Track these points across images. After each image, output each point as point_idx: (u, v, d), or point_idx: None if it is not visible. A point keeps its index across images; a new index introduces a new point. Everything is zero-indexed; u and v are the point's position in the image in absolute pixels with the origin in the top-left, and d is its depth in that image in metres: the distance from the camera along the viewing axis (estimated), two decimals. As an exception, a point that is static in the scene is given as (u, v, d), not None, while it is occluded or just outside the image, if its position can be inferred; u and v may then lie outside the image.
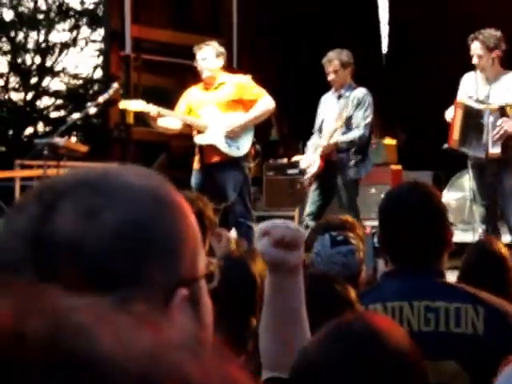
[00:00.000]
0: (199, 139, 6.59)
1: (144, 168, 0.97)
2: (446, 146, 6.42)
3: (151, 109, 6.37)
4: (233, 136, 6.43)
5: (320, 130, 6.85)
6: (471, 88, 6.25)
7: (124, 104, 6.80)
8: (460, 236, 7.93)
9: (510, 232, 6.13)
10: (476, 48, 6.08)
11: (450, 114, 6.36)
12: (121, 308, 0.55)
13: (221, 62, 6.66)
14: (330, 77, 6.71)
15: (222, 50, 6.69)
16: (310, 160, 6.78)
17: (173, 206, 0.92)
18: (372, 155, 6.97)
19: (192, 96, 6.70)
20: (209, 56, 6.60)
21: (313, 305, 1.83)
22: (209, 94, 6.62)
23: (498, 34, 6.08)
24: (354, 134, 6.63)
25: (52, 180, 0.93)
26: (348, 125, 6.66)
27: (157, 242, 0.88)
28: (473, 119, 6.09)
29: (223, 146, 6.46)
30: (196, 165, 6.67)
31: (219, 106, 6.55)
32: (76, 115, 7.61)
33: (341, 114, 6.58)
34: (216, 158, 6.53)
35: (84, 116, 7.40)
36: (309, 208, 6.84)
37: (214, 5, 11.19)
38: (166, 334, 0.54)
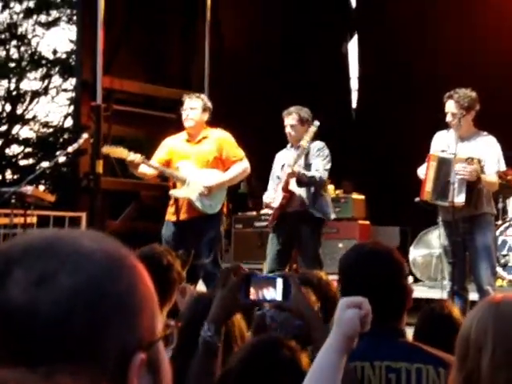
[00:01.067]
0: (175, 192, 6.60)
1: (97, 233, 0.95)
2: (417, 199, 6.47)
3: (136, 156, 6.39)
4: (208, 194, 6.46)
5: (278, 178, 6.87)
6: (444, 145, 6.33)
7: (108, 149, 6.78)
8: (426, 292, 7.97)
9: (478, 290, 6.16)
10: (450, 106, 6.13)
11: (422, 170, 6.44)
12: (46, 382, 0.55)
13: (206, 116, 6.70)
14: (287, 129, 6.76)
15: (209, 105, 6.74)
16: (272, 194, 6.80)
17: (129, 267, 0.91)
18: (330, 206, 6.95)
19: (174, 145, 6.72)
20: (198, 107, 6.63)
21: (259, 371, 1.83)
22: (191, 147, 6.64)
23: (473, 94, 6.15)
24: (314, 173, 6.67)
25: (4, 246, 0.90)
26: (307, 170, 6.70)
27: (113, 302, 0.86)
28: (444, 170, 6.15)
29: (197, 203, 6.48)
30: (169, 216, 6.66)
31: (199, 160, 6.57)
32: (45, 164, 7.57)
33: (299, 155, 6.63)
34: (190, 214, 6.54)
35: (53, 165, 7.36)
36: (269, 265, 6.82)
37: (185, 58, 11.30)
38: None
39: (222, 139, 6.69)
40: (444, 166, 6.17)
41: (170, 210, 6.68)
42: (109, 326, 0.84)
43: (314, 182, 6.67)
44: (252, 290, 2.17)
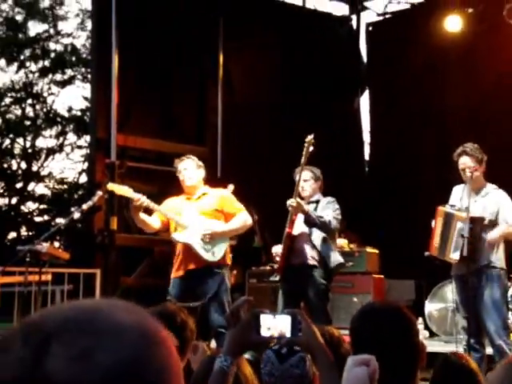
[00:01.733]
0: (177, 236, 6.61)
1: (131, 304, 0.97)
2: (427, 253, 6.47)
3: (139, 196, 6.41)
4: (209, 240, 6.48)
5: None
6: (456, 198, 6.36)
7: (112, 186, 6.82)
8: (443, 347, 7.90)
9: (492, 345, 6.11)
10: (466, 161, 6.16)
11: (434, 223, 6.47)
12: None
13: (202, 173, 6.79)
14: (301, 184, 6.81)
15: (201, 163, 6.82)
16: (279, 248, 6.82)
17: (161, 344, 0.92)
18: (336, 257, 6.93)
19: (175, 203, 6.76)
20: (190, 167, 6.73)
21: None
22: (191, 204, 6.69)
23: (476, 146, 6.24)
24: (324, 215, 6.68)
25: (38, 318, 0.90)
26: None
27: (148, 381, 0.88)
28: (449, 225, 6.18)
29: (199, 249, 6.49)
30: (174, 274, 6.68)
31: (201, 213, 6.63)
32: (60, 220, 7.59)
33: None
34: (194, 266, 6.54)
35: (68, 222, 7.40)
36: None
37: (199, 116, 11.42)
38: None
39: (221, 195, 6.79)
40: (448, 220, 6.20)
41: (174, 267, 6.69)
42: None
43: (323, 224, 6.65)
44: (262, 327, 2.26)
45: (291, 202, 6.60)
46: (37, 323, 0.89)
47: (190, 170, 6.73)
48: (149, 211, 6.61)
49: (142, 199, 6.39)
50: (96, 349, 0.86)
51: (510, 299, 7.45)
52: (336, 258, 6.79)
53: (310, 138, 6.64)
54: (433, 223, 6.48)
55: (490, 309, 6.07)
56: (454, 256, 6.08)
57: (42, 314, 0.92)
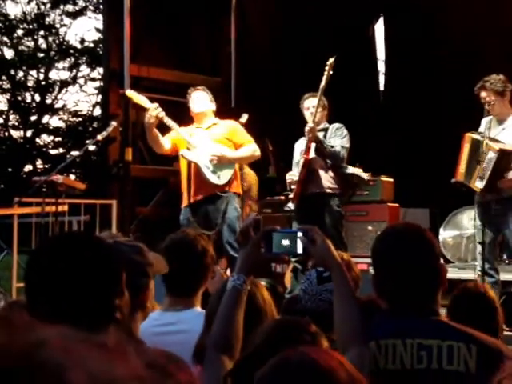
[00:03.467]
0: (185, 153, 6.63)
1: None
2: (453, 180, 6.48)
3: (156, 105, 6.43)
4: (216, 163, 6.51)
5: (298, 165, 6.94)
6: (485, 128, 6.36)
7: (130, 93, 6.85)
8: (457, 273, 7.96)
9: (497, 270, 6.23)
10: (486, 96, 6.19)
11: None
12: (90, 340, 0.57)
13: (213, 106, 6.84)
14: (310, 110, 6.80)
15: (212, 98, 6.84)
16: (295, 173, 6.87)
17: None
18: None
19: (186, 130, 6.78)
20: (202, 97, 6.77)
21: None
22: (202, 131, 6.71)
23: (502, 77, 6.22)
24: (333, 144, 6.73)
25: None
26: None
27: None
28: (477, 152, 6.19)
29: (205, 170, 6.53)
30: (184, 202, 6.73)
31: (211, 139, 6.67)
32: (75, 153, 7.63)
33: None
34: (201, 195, 6.59)
35: (83, 154, 7.42)
36: None
37: (212, 46, 11.32)
38: (132, 365, 0.56)
39: (231, 126, 6.84)
40: (476, 147, 6.19)
41: (183, 196, 6.73)
42: None
43: (333, 154, 6.69)
44: (274, 244, 2.28)
45: (310, 125, 6.62)
46: None
47: (202, 99, 6.76)
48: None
49: (159, 109, 6.41)
50: None
51: None
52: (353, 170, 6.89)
53: (331, 60, 6.59)
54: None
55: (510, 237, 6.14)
56: (479, 185, 6.12)
57: None
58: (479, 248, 6.27)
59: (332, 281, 2.30)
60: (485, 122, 6.44)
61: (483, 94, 6.21)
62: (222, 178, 6.58)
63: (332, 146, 6.70)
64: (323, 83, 6.61)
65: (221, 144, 6.65)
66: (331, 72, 6.57)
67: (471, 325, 3.13)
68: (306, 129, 6.67)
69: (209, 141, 6.63)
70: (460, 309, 3.28)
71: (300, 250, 2.28)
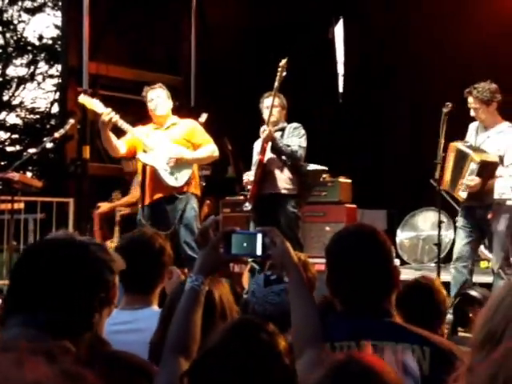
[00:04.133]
0: (141, 156, 6.60)
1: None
2: (439, 188, 6.60)
3: (109, 111, 6.35)
4: (173, 165, 6.48)
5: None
6: (471, 135, 6.54)
7: (83, 99, 6.74)
8: (413, 275, 8.03)
9: (492, 272, 6.39)
10: (471, 102, 6.34)
11: None
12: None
13: (171, 103, 6.77)
14: (268, 110, 6.81)
15: (169, 94, 6.78)
16: (252, 173, 6.87)
17: None
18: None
19: (144, 131, 6.72)
20: (162, 95, 6.70)
21: (237, 354, 1.87)
22: (161, 133, 6.66)
23: (492, 86, 6.34)
24: (290, 144, 6.74)
25: None
26: None
27: None
28: (462, 162, 6.32)
29: (162, 173, 6.50)
30: (141, 202, 6.71)
31: (170, 140, 6.62)
32: (32, 150, 7.55)
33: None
34: (158, 195, 6.57)
35: (40, 151, 7.35)
36: None
37: (172, 44, 11.28)
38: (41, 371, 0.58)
39: (190, 126, 6.79)
40: (461, 157, 6.31)
41: (141, 196, 6.71)
42: None
43: (290, 154, 6.70)
44: (233, 246, 2.27)
45: (264, 128, 6.63)
46: None
47: (162, 98, 6.69)
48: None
49: (112, 114, 6.33)
50: None
51: None
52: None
53: (283, 61, 6.62)
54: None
55: (494, 240, 6.33)
56: (463, 195, 6.30)
57: None
58: (459, 247, 6.40)
59: (289, 282, 2.29)
60: (473, 127, 6.59)
61: (470, 99, 6.37)
62: (179, 179, 6.55)
63: (288, 146, 6.71)
64: (276, 84, 6.64)
65: (179, 145, 6.61)
66: (284, 73, 6.59)
67: (414, 313, 3.20)
68: (261, 130, 6.68)
69: (167, 142, 6.59)
70: (405, 299, 3.34)
71: (259, 251, 2.27)
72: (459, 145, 6.41)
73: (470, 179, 6.15)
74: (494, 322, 1.69)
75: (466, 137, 6.64)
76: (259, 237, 2.27)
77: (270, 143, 6.74)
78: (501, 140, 6.33)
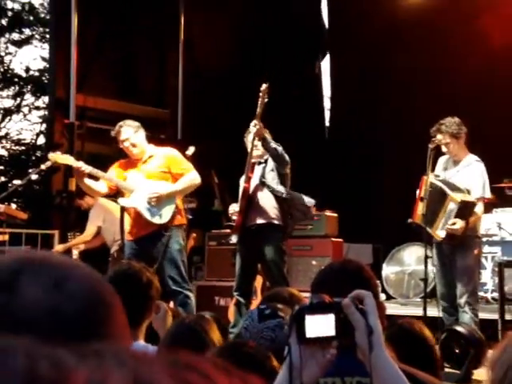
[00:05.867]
0: (123, 201, 6.60)
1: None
2: (410, 220, 6.56)
3: (80, 165, 6.33)
4: (155, 203, 6.46)
5: None
6: (441, 168, 6.57)
7: (54, 156, 6.71)
8: (399, 309, 8.03)
9: (459, 307, 6.31)
10: (441, 138, 6.37)
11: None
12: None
13: (142, 133, 6.68)
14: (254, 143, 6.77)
15: (136, 123, 6.70)
16: (237, 207, 6.83)
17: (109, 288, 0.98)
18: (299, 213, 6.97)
19: (121, 167, 6.70)
20: (129, 135, 6.60)
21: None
22: (136, 173, 6.62)
23: (457, 119, 6.43)
24: (277, 147, 6.67)
25: None
26: (264, 179, 6.75)
27: (116, 315, 0.94)
28: (436, 197, 6.30)
29: (145, 212, 6.49)
30: (127, 236, 6.68)
31: (148, 177, 6.59)
32: (18, 182, 7.53)
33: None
34: (143, 231, 6.55)
35: (26, 183, 7.32)
36: (236, 283, 6.86)
37: (160, 78, 11.33)
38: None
39: (167, 155, 6.70)
40: (435, 193, 6.30)
41: (127, 230, 6.69)
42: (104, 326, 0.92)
43: (279, 154, 6.59)
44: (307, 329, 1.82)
45: (255, 122, 6.51)
46: None
47: (131, 138, 6.58)
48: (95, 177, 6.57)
49: (83, 167, 6.31)
50: (67, 278, 0.89)
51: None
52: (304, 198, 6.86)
53: (264, 86, 6.59)
54: (417, 192, 6.60)
55: (460, 275, 6.28)
56: (441, 234, 6.26)
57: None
58: (438, 287, 6.37)
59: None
60: (442, 161, 6.62)
61: (439, 136, 6.38)
62: (163, 217, 6.52)
63: (276, 148, 6.61)
64: (258, 109, 6.58)
65: (157, 180, 6.57)
66: (266, 99, 6.56)
67: (408, 363, 3.17)
68: (252, 124, 6.56)
69: (145, 180, 6.55)
70: (392, 343, 3.31)
71: (333, 331, 1.81)
72: (432, 179, 6.39)
73: (452, 222, 6.13)
74: (495, 372, 1.68)
75: (436, 170, 6.64)
76: (331, 317, 1.81)
77: (257, 173, 6.72)
78: (468, 174, 6.38)
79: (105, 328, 0.90)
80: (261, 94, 6.58)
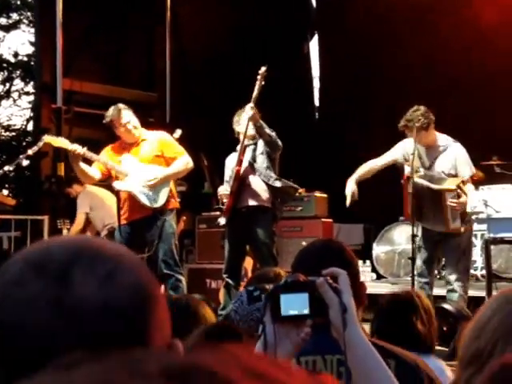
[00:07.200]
0: (118, 185, 6.59)
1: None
2: (402, 218, 6.55)
3: (76, 147, 6.32)
4: (151, 188, 6.46)
5: (229, 182, 6.88)
6: (411, 158, 6.24)
7: (49, 139, 6.70)
8: (390, 288, 8.04)
9: (447, 283, 6.38)
10: (412, 134, 6.14)
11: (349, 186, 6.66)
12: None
13: (136, 119, 6.67)
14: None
15: (129, 110, 6.68)
16: (227, 187, 6.82)
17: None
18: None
19: (113, 150, 6.69)
20: (130, 117, 6.59)
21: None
22: (131, 157, 6.61)
23: (422, 109, 6.21)
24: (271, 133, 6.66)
25: (42, 249, 0.92)
26: (255, 162, 6.75)
27: (159, 304, 0.94)
28: (425, 195, 6.23)
29: (141, 197, 6.48)
30: (120, 221, 6.68)
31: (141, 160, 6.58)
32: (6, 167, 7.51)
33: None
34: (137, 215, 6.55)
35: (14, 168, 7.30)
36: (225, 265, 6.87)
37: (147, 61, 11.29)
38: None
39: (160, 139, 6.71)
40: (420, 190, 6.21)
41: (120, 215, 6.68)
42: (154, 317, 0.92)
43: (272, 140, 6.60)
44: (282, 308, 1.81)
45: (252, 105, 6.48)
46: (44, 253, 0.91)
47: (132, 120, 6.60)
48: (89, 161, 6.54)
49: (79, 150, 6.30)
50: (117, 270, 0.90)
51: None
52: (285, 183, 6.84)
53: (263, 69, 6.57)
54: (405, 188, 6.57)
55: (451, 251, 6.36)
56: (455, 225, 6.18)
57: (42, 245, 0.94)
58: (418, 264, 6.36)
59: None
60: (409, 146, 6.37)
61: (409, 133, 6.22)
62: (158, 200, 6.53)
63: (271, 133, 6.60)
64: (255, 93, 6.56)
65: (151, 164, 6.57)
66: (263, 82, 6.55)
67: (405, 328, 3.18)
68: (249, 106, 6.51)
69: (140, 164, 6.54)
70: (388, 316, 3.33)
71: (306, 310, 1.81)
72: (416, 179, 6.21)
73: (454, 201, 6.09)
74: (481, 340, 1.67)
75: (396, 150, 6.56)
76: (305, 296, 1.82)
77: (247, 155, 6.71)
78: (450, 157, 6.29)
79: (150, 320, 0.91)
80: (258, 77, 6.56)
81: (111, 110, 6.62)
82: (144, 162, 6.57)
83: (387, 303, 3.48)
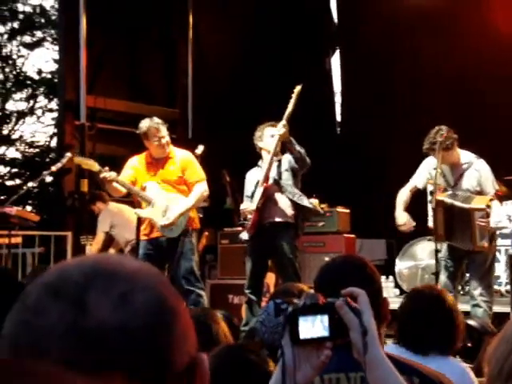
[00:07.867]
0: (140, 212, 6.66)
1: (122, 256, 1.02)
2: (431, 237, 6.55)
3: (109, 174, 6.38)
4: (170, 226, 6.52)
5: (252, 196, 6.87)
6: (437, 177, 6.25)
7: (78, 160, 6.78)
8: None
9: (471, 298, 6.37)
10: (439, 157, 6.13)
11: (402, 196, 6.55)
12: None
13: (168, 137, 6.73)
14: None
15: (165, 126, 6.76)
16: (249, 203, 6.82)
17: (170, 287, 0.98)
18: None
19: (140, 165, 6.73)
20: (166, 132, 6.67)
21: (224, 373, 1.84)
22: (155, 186, 6.65)
23: (445, 131, 6.19)
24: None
25: (60, 272, 0.92)
26: (280, 179, 6.76)
27: (180, 319, 0.94)
28: (454, 214, 6.20)
29: (160, 228, 6.54)
30: (142, 236, 6.72)
31: (164, 181, 6.62)
32: (30, 184, 7.58)
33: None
34: (157, 233, 6.60)
35: (38, 184, 7.36)
36: (248, 281, 6.86)
37: (169, 77, 11.34)
38: None
39: (185, 160, 6.75)
40: (453, 211, 6.21)
41: (142, 229, 6.72)
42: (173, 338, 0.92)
43: (301, 157, 6.61)
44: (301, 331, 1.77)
45: (284, 123, 6.50)
46: (61, 276, 0.91)
47: (166, 135, 6.68)
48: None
49: (108, 174, 6.37)
50: (133, 292, 0.90)
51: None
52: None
53: (298, 88, 6.60)
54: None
55: (475, 267, 6.36)
56: (483, 243, 6.18)
57: (60, 268, 0.94)
58: (443, 280, 6.33)
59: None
60: (432, 165, 6.40)
61: (434, 155, 6.21)
62: (175, 230, 6.58)
63: (300, 152, 6.61)
64: (289, 110, 6.58)
65: (174, 189, 6.62)
66: (297, 100, 6.58)
67: (428, 326, 3.14)
68: (281, 124, 6.52)
69: (163, 194, 6.60)
70: (411, 309, 3.29)
71: (326, 332, 1.76)
72: (445, 199, 6.23)
73: (483, 220, 6.08)
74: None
75: (420, 174, 6.57)
76: (325, 318, 1.77)
77: (273, 171, 6.72)
78: (474, 174, 6.30)
79: (169, 335, 0.91)
80: (293, 96, 6.58)
81: (148, 122, 6.66)
82: (166, 182, 6.60)
83: (409, 299, 3.44)
